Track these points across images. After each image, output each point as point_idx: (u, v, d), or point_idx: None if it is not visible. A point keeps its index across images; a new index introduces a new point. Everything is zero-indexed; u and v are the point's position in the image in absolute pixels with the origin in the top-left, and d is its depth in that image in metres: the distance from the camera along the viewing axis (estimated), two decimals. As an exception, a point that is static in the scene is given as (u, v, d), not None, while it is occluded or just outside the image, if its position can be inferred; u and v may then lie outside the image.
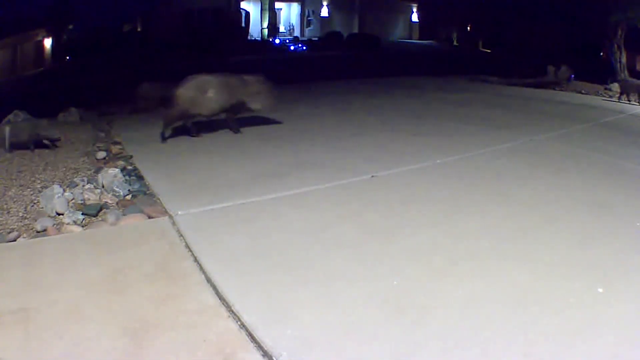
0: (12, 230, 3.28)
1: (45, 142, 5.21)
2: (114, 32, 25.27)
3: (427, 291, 2.48)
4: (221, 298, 2.41)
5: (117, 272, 2.66)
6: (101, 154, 5.02)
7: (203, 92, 5.38)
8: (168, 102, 5.88)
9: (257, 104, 5.72)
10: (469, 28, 27.24)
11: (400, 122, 6.44)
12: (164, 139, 5.49)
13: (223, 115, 5.74)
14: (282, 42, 25.23)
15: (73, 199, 3.74)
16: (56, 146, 5.29)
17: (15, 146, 5.10)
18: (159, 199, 3.72)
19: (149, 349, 2.06)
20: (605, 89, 10.21)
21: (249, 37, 25.28)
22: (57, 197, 3.58)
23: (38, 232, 3.27)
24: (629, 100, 8.79)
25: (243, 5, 26.04)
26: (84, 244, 3.03)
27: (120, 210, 3.61)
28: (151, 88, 7.51)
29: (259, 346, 2.07)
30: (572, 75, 11.27)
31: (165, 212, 3.46)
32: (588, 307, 2.35)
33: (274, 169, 4.40)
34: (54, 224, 3.36)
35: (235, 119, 5.82)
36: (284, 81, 11.33)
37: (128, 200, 3.82)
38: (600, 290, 2.49)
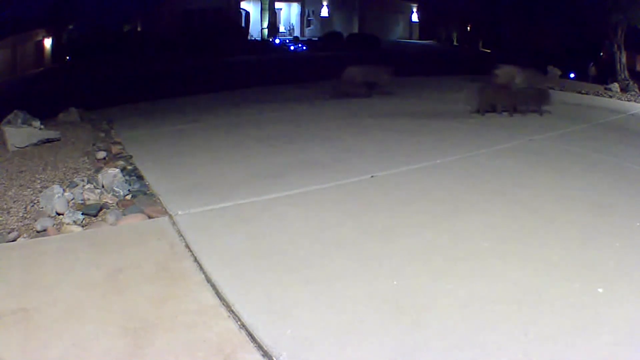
0: (12, 230, 3.28)
1: None
2: (114, 32, 25.22)
3: (427, 291, 2.48)
4: (221, 298, 2.41)
5: (117, 272, 2.66)
6: (101, 154, 5.01)
7: (512, 79, 6.97)
8: (371, 85, 7.30)
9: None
10: (469, 28, 27.22)
11: (400, 121, 6.43)
12: (480, 113, 6.77)
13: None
14: (282, 42, 25.23)
15: (73, 199, 3.73)
16: None
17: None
18: (159, 199, 3.73)
19: (149, 349, 2.06)
20: (605, 89, 10.18)
21: (249, 37, 25.28)
22: (57, 197, 3.57)
23: (38, 232, 3.27)
24: None
25: (243, 5, 26.05)
26: (84, 244, 3.03)
27: (120, 210, 3.61)
28: (357, 72, 7.66)
29: (259, 346, 2.07)
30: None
31: (165, 212, 3.46)
32: (588, 307, 2.35)
33: (273, 169, 4.40)
34: (54, 224, 3.36)
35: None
36: (284, 81, 11.38)
37: (128, 200, 3.81)
38: (600, 290, 2.49)
